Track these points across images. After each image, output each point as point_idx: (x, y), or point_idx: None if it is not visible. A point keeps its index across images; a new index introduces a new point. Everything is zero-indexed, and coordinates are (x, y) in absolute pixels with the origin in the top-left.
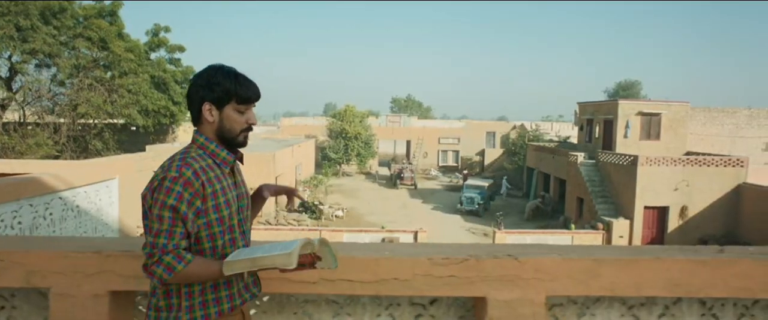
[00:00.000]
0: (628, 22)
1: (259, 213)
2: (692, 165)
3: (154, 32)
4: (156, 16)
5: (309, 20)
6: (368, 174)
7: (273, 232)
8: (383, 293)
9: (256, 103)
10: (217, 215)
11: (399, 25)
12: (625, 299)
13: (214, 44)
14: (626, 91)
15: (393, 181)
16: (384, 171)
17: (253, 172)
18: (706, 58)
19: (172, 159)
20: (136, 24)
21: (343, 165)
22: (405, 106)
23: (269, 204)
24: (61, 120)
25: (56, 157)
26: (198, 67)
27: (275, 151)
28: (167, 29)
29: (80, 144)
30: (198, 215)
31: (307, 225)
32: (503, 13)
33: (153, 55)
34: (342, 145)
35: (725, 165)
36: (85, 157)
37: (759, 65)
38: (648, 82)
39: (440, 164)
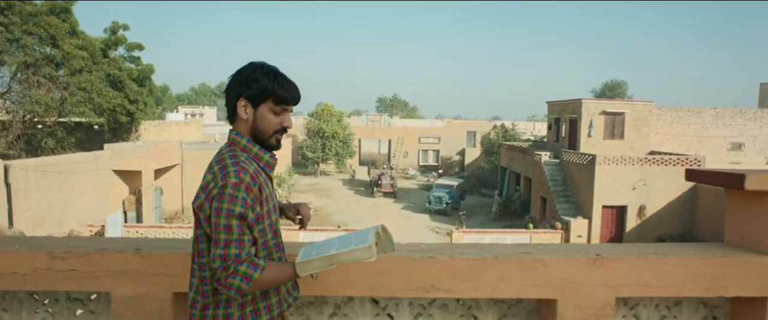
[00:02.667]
0: (624, 23)
1: None
2: (650, 164)
3: (113, 30)
4: (153, 14)
5: (305, 20)
6: (348, 179)
7: None
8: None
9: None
10: (269, 220)
11: (396, 25)
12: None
13: (209, 45)
14: (612, 90)
15: (370, 188)
16: (364, 172)
17: None
18: (698, 58)
19: (222, 163)
20: (134, 23)
21: (320, 164)
22: (391, 106)
23: None
24: (16, 117)
25: (5, 157)
26: (159, 66)
27: None
28: (126, 27)
29: (33, 142)
30: (257, 221)
31: None
32: (501, 13)
33: (113, 54)
34: (319, 145)
35: (682, 165)
36: (40, 156)
37: (750, 66)
38: (638, 83)
39: (421, 163)
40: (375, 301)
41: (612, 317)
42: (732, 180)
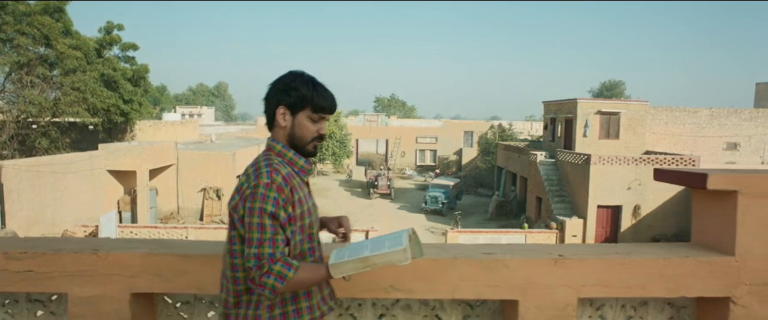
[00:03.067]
0: (623, 23)
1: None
2: (645, 164)
3: (107, 30)
4: (151, 14)
5: (304, 20)
6: (344, 180)
7: (223, 232)
8: None
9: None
10: (300, 223)
11: (395, 26)
12: None
13: (208, 45)
14: (610, 90)
15: (367, 190)
16: (361, 172)
17: (211, 171)
18: (696, 58)
19: (257, 166)
20: (136, 23)
21: (317, 164)
22: (388, 105)
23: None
24: (10, 117)
25: None
26: (157, 66)
27: (235, 150)
28: (120, 27)
29: (27, 143)
30: (289, 222)
31: None
32: (501, 13)
33: (108, 54)
34: None
35: (677, 165)
36: (34, 156)
37: (747, 66)
38: (636, 83)
39: (418, 163)
40: (338, 302)
41: (574, 317)
42: (695, 180)
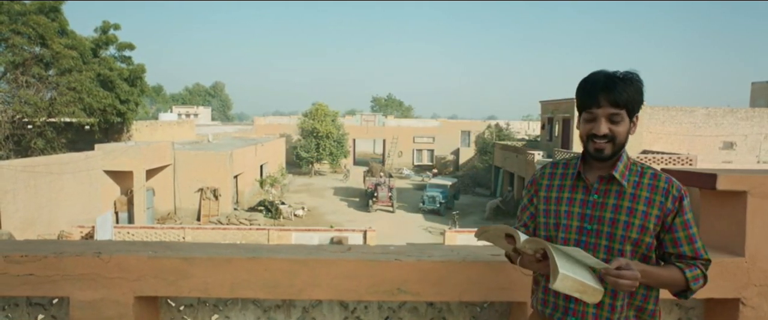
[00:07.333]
0: (621, 23)
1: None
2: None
3: (103, 30)
4: (148, 14)
5: (301, 21)
6: (340, 180)
7: (221, 232)
8: None
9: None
10: (531, 209)
11: (392, 26)
12: (260, 301)
13: (205, 45)
14: None
15: (365, 200)
16: (358, 173)
17: (208, 171)
18: (692, 58)
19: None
20: (137, 22)
21: (314, 164)
22: (385, 105)
23: (226, 203)
24: (5, 118)
25: None
26: (150, 65)
27: (233, 150)
28: (117, 27)
29: (22, 143)
30: (524, 208)
31: (259, 225)
32: (499, 14)
33: (104, 54)
34: (313, 144)
35: (674, 164)
36: (29, 156)
37: (743, 66)
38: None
39: (415, 163)
40: (343, 305)
41: None
42: (704, 181)
